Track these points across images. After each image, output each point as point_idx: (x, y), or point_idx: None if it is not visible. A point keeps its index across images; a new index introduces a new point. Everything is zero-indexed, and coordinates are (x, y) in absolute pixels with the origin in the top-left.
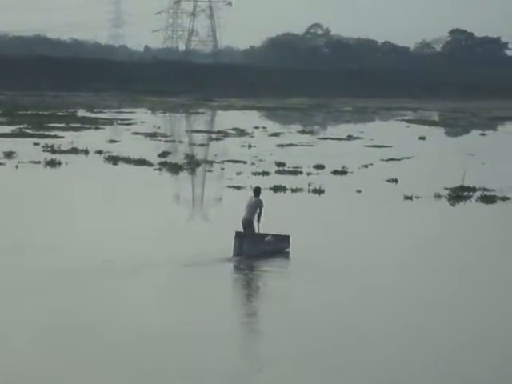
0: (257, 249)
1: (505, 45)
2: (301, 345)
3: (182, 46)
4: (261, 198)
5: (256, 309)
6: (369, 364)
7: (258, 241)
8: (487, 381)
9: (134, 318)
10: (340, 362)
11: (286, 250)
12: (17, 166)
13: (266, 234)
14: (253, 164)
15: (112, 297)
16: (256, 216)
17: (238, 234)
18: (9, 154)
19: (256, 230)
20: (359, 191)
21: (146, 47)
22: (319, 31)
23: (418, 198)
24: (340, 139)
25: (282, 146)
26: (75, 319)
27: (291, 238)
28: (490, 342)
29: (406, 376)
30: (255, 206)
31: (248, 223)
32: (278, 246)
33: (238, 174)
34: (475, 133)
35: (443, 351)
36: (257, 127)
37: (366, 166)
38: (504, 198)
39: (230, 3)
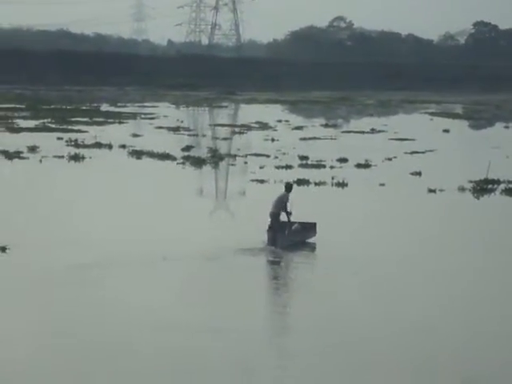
0: (288, 240)
1: None
2: (328, 338)
3: (204, 40)
4: (290, 193)
5: (284, 302)
6: (396, 357)
7: (288, 233)
8: None
9: (156, 312)
10: (366, 355)
11: (313, 237)
12: (40, 160)
13: (294, 222)
14: (276, 158)
15: (136, 289)
16: (282, 210)
17: (270, 228)
18: (32, 149)
19: (288, 219)
20: (383, 184)
21: (169, 41)
22: (342, 24)
23: (441, 190)
24: (363, 132)
25: (305, 139)
26: (94, 312)
27: (317, 226)
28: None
29: (431, 368)
30: (281, 201)
31: (274, 216)
32: (306, 235)
33: (261, 167)
34: (499, 125)
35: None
36: (280, 121)
37: (390, 159)
38: None
39: None
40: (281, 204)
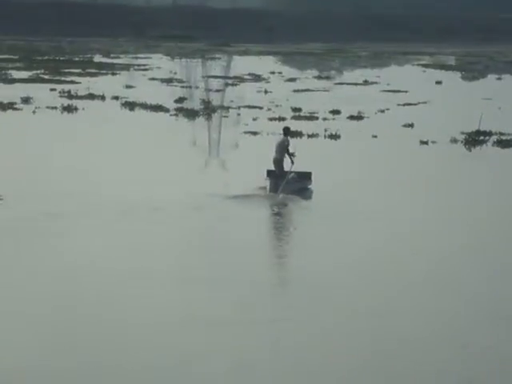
0: (288, 188)
1: None
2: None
3: None
4: (289, 137)
5: (283, 250)
6: (389, 307)
7: (287, 181)
8: None
9: (140, 262)
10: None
11: (309, 186)
12: (34, 112)
13: (290, 171)
14: (269, 109)
15: (135, 237)
16: (284, 155)
17: (270, 172)
18: (26, 100)
19: (288, 168)
20: (375, 136)
21: None
22: None
23: (434, 142)
24: (356, 84)
25: (298, 91)
26: (87, 261)
27: (312, 175)
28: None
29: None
30: (282, 145)
31: (278, 162)
32: (303, 183)
33: (254, 119)
34: (492, 77)
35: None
36: (273, 72)
37: (383, 111)
38: None
39: None
40: (283, 149)
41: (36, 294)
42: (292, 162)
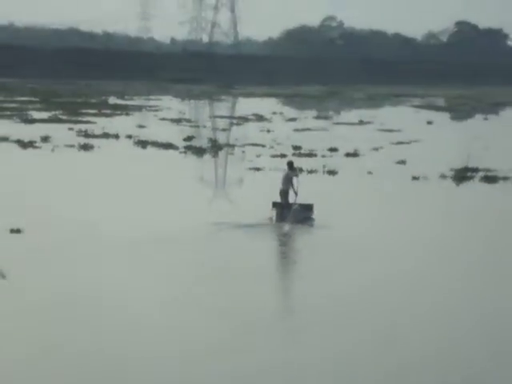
0: (293, 217)
1: (506, 36)
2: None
3: (205, 38)
4: (294, 170)
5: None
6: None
7: (292, 211)
8: None
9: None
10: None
11: (312, 216)
12: (52, 149)
13: (294, 203)
14: (271, 147)
15: (144, 267)
16: (291, 187)
17: (275, 204)
18: (45, 138)
19: (293, 199)
20: (370, 172)
21: (172, 39)
22: (333, 23)
23: (425, 178)
24: (352, 124)
25: (298, 130)
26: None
27: (314, 207)
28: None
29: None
30: (289, 178)
31: (284, 193)
32: (306, 214)
33: (258, 156)
34: (479, 117)
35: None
36: (275, 113)
37: (377, 149)
38: (505, 178)
39: None
40: (288, 181)
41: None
42: (296, 194)
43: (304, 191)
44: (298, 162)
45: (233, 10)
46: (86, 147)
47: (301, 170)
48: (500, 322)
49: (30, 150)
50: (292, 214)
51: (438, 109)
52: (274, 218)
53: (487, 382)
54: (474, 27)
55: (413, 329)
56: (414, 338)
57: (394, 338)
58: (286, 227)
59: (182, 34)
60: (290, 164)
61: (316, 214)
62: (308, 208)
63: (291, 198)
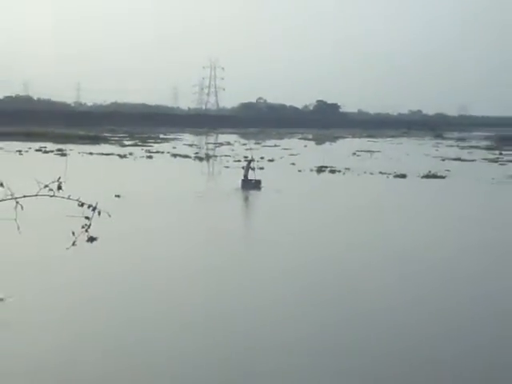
0: (250, 186)
1: (338, 106)
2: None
3: (202, 106)
4: (250, 163)
5: (254, 205)
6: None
7: (251, 181)
8: None
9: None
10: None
11: (260, 185)
12: (134, 159)
13: (251, 179)
14: (233, 157)
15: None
16: (248, 170)
17: (243, 180)
18: (130, 153)
19: (249, 177)
20: (279, 167)
21: (190, 108)
22: (262, 101)
23: (304, 171)
24: (270, 146)
25: (247, 149)
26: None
27: (261, 181)
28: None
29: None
30: (247, 168)
31: (245, 173)
32: (257, 184)
33: (227, 161)
34: (329, 143)
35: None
36: (235, 141)
37: (282, 158)
38: (339, 171)
39: (222, 78)
40: (247, 169)
41: None
42: (251, 173)
43: (254, 175)
44: (244, 164)
45: (216, 94)
46: (149, 157)
47: (252, 160)
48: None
49: (123, 159)
50: (250, 184)
51: (309, 139)
52: (240, 187)
53: None
54: (325, 102)
55: (325, 235)
56: (329, 240)
57: (314, 240)
58: (248, 190)
59: (192, 103)
60: (249, 161)
61: (262, 184)
62: (258, 182)
63: (250, 177)
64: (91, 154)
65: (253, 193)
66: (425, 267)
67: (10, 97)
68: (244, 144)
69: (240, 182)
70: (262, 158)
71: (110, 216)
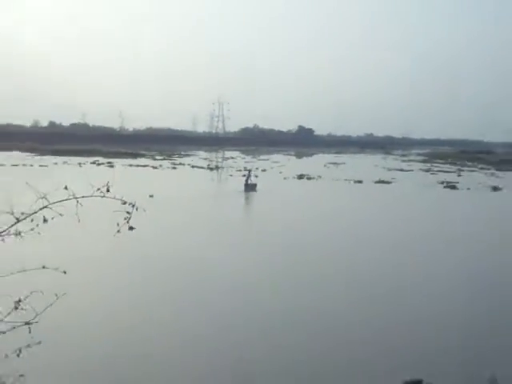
0: (250, 188)
1: (313, 131)
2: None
3: (213, 130)
4: (250, 171)
5: (251, 202)
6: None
7: (250, 185)
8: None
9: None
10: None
11: (256, 188)
12: (163, 169)
13: (251, 183)
14: (236, 167)
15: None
16: (249, 177)
17: (245, 184)
18: (160, 165)
19: (249, 182)
20: (270, 175)
21: (205, 132)
22: (256, 126)
23: (288, 178)
24: (263, 160)
25: (246, 162)
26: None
27: (257, 184)
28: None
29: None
30: (248, 175)
31: (246, 180)
32: (254, 187)
33: (232, 171)
34: (306, 157)
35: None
36: (238, 156)
37: (272, 168)
38: (314, 177)
39: (229, 110)
40: (248, 176)
41: None
42: (247, 181)
43: (251, 180)
44: (245, 172)
45: (223, 122)
46: (174, 168)
47: (250, 170)
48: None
49: (155, 169)
50: (249, 187)
51: (291, 155)
52: (244, 189)
53: None
54: (303, 127)
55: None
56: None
57: (293, 217)
58: (248, 192)
59: (206, 128)
60: (248, 170)
61: (258, 187)
62: (254, 185)
63: (249, 182)
64: (131, 165)
65: (251, 193)
66: (374, 235)
67: (74, 123)
68: (243, 158)
69: (243, 186)
70: (256, 168)
71: (145, 211)
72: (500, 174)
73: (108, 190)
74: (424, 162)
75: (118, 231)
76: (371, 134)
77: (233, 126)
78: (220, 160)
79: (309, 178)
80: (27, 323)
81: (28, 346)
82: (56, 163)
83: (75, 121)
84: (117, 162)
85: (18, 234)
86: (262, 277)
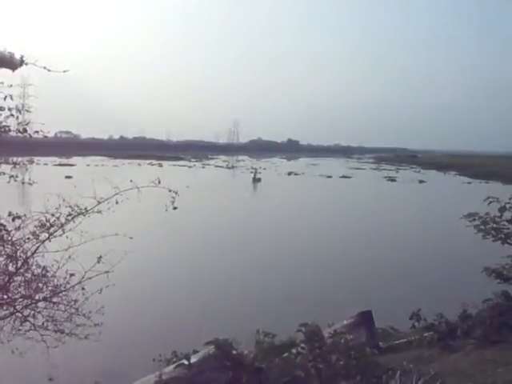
0: (257, 180)
1: (298, 142)
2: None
3: (230, 141)
4: (258, 169)
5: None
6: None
7: (256, 178)
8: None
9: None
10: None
11: (261, 180)
12: (195, 168)
13: (257, 178)
14: (246, 167)
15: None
16: (255, 173)
17: (253, 178)
18: (194, 165)
19: (256, 176)
20: (269, 172)
21: (224, 142)
22: (259, 138)
23: (281, 174)
24: (264, 162)
25: (253, 163)
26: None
27: (261, 178)
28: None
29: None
30: (255, 171)
31: (254, 175)
32: (259, 180)
33: (243, 169)
34: (293, 160)
35: None
36: (247, 159)
37: (270, 167)
38: (299, 174)
39: (240, 128)
40: (255, 172)
41: None
42: (255, 176)
43: (256, 175)
44: (252, 170)
45: (237, 136)
46: (203, 167)
47: (256, 169)
48: None
49: (190, 168)
50: (256, 180)
51: (283, 158)
52: (252, 180)
53: None
54: (291, 139)
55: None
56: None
57: (288, 197)
58: (255, 183)
59: (222, 139)
60: (255, 169)
61: (262, 180)
62: (259, 179)
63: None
64: (174, 165)
65: (258, 184)
66: (335, 208)
67: (136, 137)
68: (251, 161)
69: (251, 179)
70: (260, 167)
71: (183, 196)
72: (424, 171)
73: (159, 182)
74: (373, 163)
75: (166, 210)
76: (338, 144)
77: (243, 138)
78: (235, 162)
79: (296, 174)
80: (106, 272)
81: (107, 286)
82: (124, 164)
83: (136, 135)
84: (164, 163)
85: (99, 211)
86: (272, 226)
